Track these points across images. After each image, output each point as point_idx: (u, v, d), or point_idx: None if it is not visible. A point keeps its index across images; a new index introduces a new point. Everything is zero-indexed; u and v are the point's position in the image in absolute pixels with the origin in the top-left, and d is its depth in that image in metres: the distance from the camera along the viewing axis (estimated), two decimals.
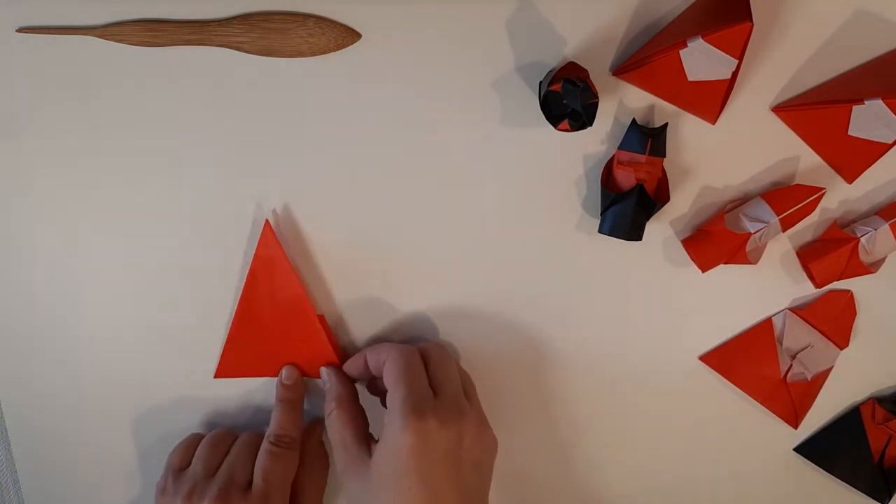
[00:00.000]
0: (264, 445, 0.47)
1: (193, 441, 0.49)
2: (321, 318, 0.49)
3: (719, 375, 0.51)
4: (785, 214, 0.45)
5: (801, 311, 0.50)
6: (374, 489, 0.42)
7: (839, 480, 0.53)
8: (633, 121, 0.46)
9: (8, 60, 0.45)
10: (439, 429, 0.41)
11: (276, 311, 0.48)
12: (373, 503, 0.42)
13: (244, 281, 0.47)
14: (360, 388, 0.49)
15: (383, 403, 0.48)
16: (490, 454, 0.45)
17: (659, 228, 0.49)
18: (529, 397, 0.52)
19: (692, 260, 0.48)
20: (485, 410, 0.46)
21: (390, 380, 0.44)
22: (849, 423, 0.52)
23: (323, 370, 0.48)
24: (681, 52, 0.41)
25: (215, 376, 0.49)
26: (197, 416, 0.52)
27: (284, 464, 0.47)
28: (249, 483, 0.46)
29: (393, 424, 0.42)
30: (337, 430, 0.45)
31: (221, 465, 0.47)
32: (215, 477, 0.46)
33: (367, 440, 0.45)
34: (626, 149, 0.46)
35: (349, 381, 0.48)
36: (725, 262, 0.47)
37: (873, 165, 0.46)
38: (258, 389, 0.51)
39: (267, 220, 0.47)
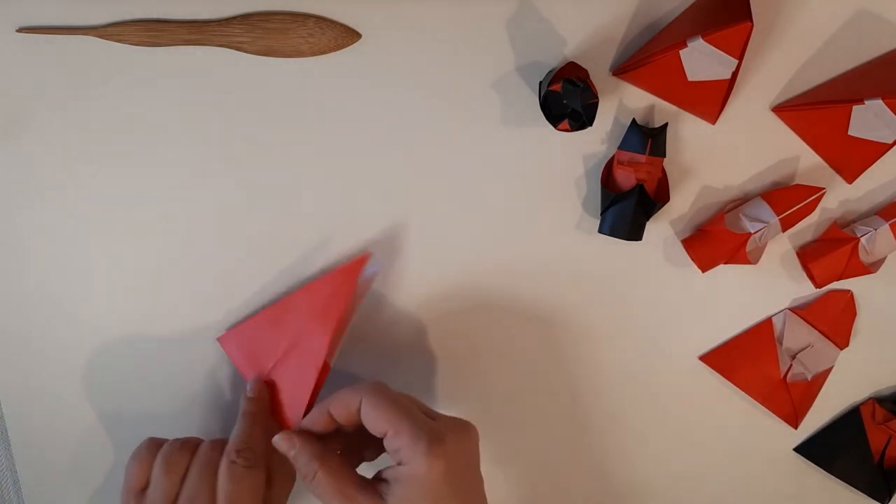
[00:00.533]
0: (224, 463, 0.43)
1: (150, 451, 0.45)
2: (326, 365, 0.47)
3: (719, 375, 0.51)
4: (785, 214, 0.45)
5: (801, 311, 0.50)
6: None
7: (839, 480, 0.53)
8: (633, 121, 0.46)
9: (8, 60, 0.45)
10: (457, 446, 0.41)
11: (294, 340, 0.47)
12: None
13: (306, 286, 0.46)
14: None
15: (357, 449, 0.46)
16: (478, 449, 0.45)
17: (659, 228, 0.49)
18: (528, 398, 0.52)
19: (692, 260, 0.48)
20: (482, 410, 0.46)
21: (382, 421, 0.41)
22: (849, 423, 0.52)
23: (279, 438, 0.43)
24: (681, 52, 0.41)
25: (217, 338, 0.49)
26: (197, 416, 0.51)
27: (250, 483, 0.43)
28: None
29: (414, 460, 0.40)
30: (333, 488, 0.41)
31: (181, 491, 0.43)
32: None
33: (369, 484, 0.42)
34: (626, 149, 0.46)
35: (316, 438, 0.43)
36: (725, 262, 0.47)
37: (873, 165, 0.46)
38: None
39: (365, 256, 0.46)
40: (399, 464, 0.40)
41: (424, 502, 0.40)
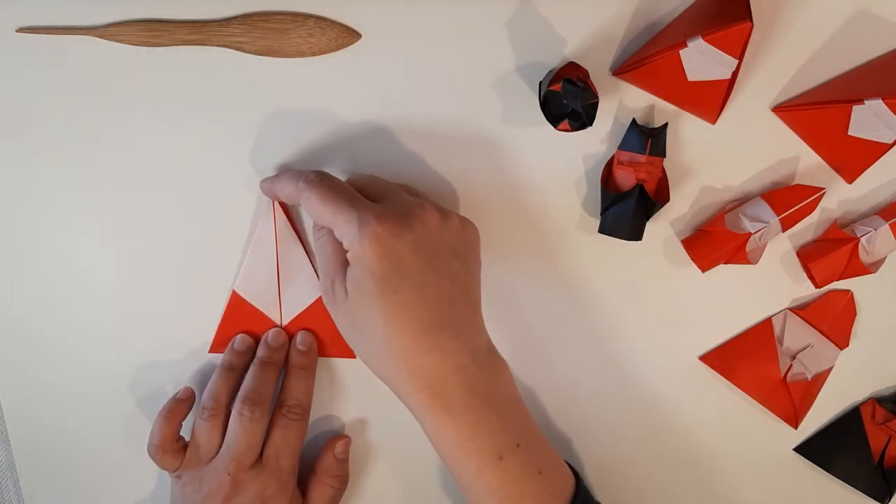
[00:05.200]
0: (277, 417, 0.47)
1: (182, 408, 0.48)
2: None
3: (719, 375, 0.51)
4: (785, 214, 0.45)
5: (801, 311, 0.50)
6: (357, 312, 0.40)
7: (839, 480, 0.53)
8: (633, 121, 0.46)
9: (8, 60, 0.45)
10: (399, 228, 0.39)
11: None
12: (367, 321, 0.40)
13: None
14: None
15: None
16: (466, 239, 0.43)
17: (659, 228, 0.49)
18: (525, 398, 0.52)
19: (692, 260, 0.48)
20: None
21: (323, 212, 0.41)
22: (849, 423, 0.52)
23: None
24: (681, 52, 0.41)
25: (209, 351, 0.50)
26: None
27: (297, 435, 0.47)
28: (258, 456, 0.46)
29: (352, 246, 0.39)
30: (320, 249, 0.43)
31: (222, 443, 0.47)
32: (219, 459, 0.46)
33: (340, 269, 0.41)
34: (626, 149, 0.46)
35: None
36: (725, 262, 0.47)
37: (873, 165, 0.46)
38: None
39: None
40: (347, 251, 0.40)
41: (371, 284, 0.39)
